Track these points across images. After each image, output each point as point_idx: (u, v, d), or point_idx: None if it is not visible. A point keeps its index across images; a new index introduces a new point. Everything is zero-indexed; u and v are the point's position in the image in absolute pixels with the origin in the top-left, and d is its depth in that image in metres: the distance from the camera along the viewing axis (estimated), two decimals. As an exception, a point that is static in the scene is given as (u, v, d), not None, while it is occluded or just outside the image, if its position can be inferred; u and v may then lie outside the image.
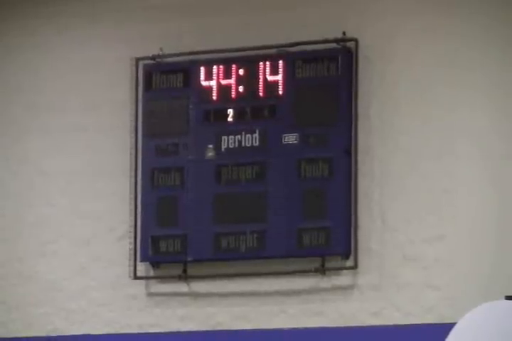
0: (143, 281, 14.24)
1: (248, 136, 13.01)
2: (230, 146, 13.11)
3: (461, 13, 13.07)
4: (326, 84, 12.84)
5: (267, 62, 12.97)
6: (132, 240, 14.12)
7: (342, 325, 13.00)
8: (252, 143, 12.98)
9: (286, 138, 12.82)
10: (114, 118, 14.78)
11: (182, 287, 13.96)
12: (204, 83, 13.32)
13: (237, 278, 13.54)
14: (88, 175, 14.79)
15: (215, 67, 13.28)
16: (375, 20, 13.25)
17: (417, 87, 12.94)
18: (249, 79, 13.11)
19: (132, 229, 14.13)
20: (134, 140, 14.08)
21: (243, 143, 13.04)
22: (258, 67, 12.99)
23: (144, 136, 13.93)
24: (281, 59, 12.91)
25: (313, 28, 13.23)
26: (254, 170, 13.06)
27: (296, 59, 12.88)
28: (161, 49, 13.88)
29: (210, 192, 13.35)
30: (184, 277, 13.74)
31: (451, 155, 12.73)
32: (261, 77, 12.98)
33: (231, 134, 13.13)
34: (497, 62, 13.01)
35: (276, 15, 13.65)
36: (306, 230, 12.80)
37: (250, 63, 13.12)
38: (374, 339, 12.93)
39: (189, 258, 13.57)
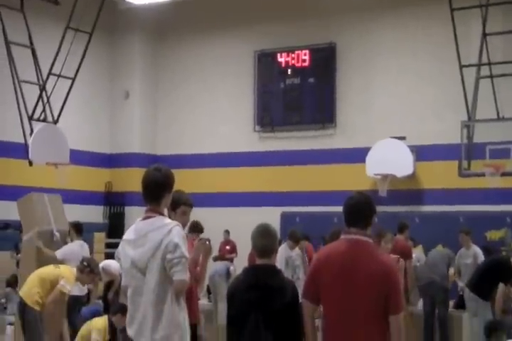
0: (257, 133, 20.16)
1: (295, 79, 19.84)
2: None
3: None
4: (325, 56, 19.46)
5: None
6: (255, 114, 20.04)
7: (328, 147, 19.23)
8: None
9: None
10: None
11: (271, 134, 19.94)
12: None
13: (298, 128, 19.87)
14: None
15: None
16: (350, 30, 19.24)
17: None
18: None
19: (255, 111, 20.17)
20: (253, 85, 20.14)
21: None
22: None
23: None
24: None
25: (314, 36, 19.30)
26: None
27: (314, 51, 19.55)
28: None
29: (280, 94, 19.75)
30: (272, 130, 19.94)
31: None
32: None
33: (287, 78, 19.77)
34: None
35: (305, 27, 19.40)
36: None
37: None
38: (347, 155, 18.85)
39: (275, 124, 19.87)
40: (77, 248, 10.99)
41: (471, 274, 10.54)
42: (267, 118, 20.13)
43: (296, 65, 19.87)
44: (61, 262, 10.18)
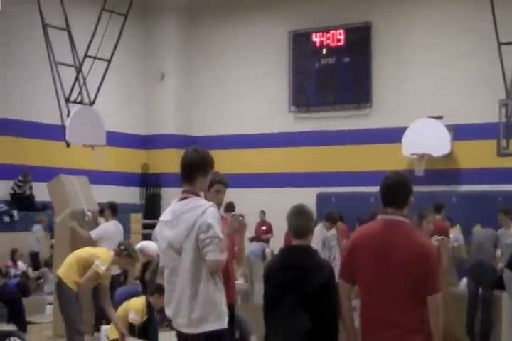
0: (292, 114, 20.13)
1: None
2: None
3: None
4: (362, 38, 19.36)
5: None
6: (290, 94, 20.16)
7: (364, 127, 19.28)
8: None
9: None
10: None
11: (306, 115, 19.82)
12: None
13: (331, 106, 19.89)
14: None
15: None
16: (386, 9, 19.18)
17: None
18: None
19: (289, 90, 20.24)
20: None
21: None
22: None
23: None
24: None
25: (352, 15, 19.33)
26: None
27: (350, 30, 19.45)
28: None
29: (315, 74, 19.67)
30: (307, 111, 19.80)
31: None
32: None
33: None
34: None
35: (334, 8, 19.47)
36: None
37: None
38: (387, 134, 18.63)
39: (310, 104, 19.90)
40: (111, 228, 11.11)
41: (510, 254, 10.38)
42: (302, 99, 20.01)
43: (331, 44, 19.70)
44: (96, 242, 10.29)
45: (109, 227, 11.09)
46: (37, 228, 15.99)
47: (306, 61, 19.94)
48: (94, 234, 10.80)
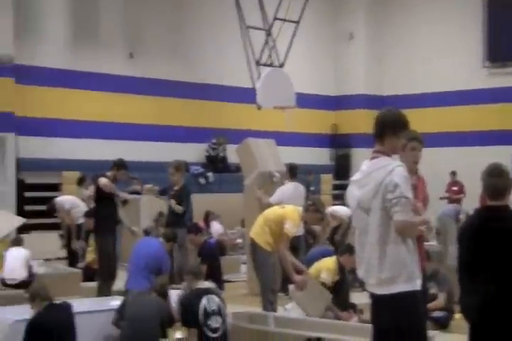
0: (486, 69, 19.47)
1: None
2: None
3: None
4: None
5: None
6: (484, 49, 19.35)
7: None
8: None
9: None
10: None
11: (501, 70, 18.96)
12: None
13: None
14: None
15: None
16: None
17: None
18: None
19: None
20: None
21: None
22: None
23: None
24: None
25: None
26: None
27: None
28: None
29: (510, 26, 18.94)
30: (503, 65, 19.02)
31: None
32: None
33: None
34: None
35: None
36: None
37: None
38: None
39: (506, 58, 18.94)
40: (290, 190, 10.96)
41: None
42: (498, 53, 19.21)
43: (530, -6, 18.75)
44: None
45: (288, 190, 10.96)
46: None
47: (502, 13, 18.98)
48: (274, 199, 10.62)
